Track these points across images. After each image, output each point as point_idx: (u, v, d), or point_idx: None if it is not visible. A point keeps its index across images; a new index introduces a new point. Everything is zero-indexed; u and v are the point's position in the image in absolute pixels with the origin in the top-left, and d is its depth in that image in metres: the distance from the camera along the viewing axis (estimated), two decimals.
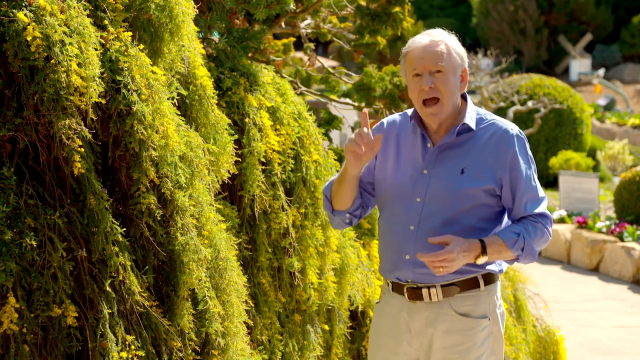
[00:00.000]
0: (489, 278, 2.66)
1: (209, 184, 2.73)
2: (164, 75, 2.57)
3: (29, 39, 2.18)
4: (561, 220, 10.55)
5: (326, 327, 3.41)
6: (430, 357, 2.66)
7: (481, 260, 2.53)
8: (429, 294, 2.63)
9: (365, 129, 2.54)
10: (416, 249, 2.60)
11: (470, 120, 2.62)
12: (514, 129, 2.63)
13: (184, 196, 2.53)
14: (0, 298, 2.15)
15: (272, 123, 3.24)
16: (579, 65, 27.85)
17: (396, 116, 2.79)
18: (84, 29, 2.30)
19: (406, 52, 2.62)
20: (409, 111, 2.74)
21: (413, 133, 2.69)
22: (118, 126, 2.41)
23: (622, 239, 9.39)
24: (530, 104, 13.55)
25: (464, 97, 2.68)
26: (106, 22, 2.46)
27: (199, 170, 2.63)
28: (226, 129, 2.88)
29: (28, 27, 2.18)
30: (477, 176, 2.58)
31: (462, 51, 2.62)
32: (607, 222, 9.81)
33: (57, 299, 2.22)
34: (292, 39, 5.52)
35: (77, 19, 2.30)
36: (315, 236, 3.29)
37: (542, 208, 2.61)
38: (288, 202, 3.23)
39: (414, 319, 2.67)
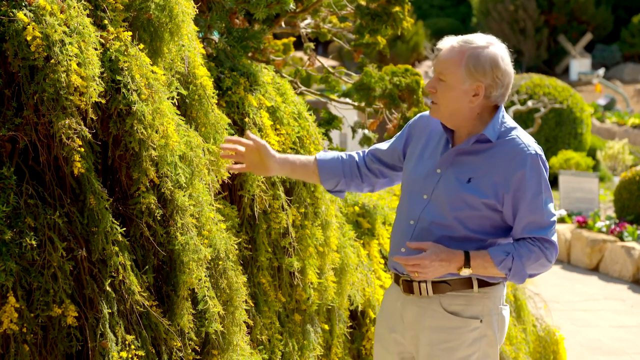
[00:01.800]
0: (484, 281, 2.62)
1: (209, 184, 2.73)
2: (164, 75, 2.57)
3: (28, 38, 2.18)
4: (561, 220, 10.55)
5: (326, 327, 3.41)
6: (419, 352, 2.67)
7: (464, 272, 2.53)
8: (419, 289, 2.64)
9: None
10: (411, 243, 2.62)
11: (491, 132, 2.56)
12: (532, 147, 2.55)
13: (183, 196, 2.53)
14: (0, 298, 2.15)
15: (272, 123, 3.25)
16: (579, 65, 27.84)
17: (426, 113, 2.80)
18: (83, 28, 2.30)
19: (436, 49, 2.66)
20: None
21: (442, 131, 2.69)
22: (118, 126, 2.41)
23: (622, 239, 9.39)
24: (530, 103, 13.54)
25: (495, 107, 2.61)
26: (106, 21, 2.46)
27: (199, 170, 2.63)
28: (226, 129, 2.88)
29: (28, 26, 2.18)
30: (480, 188, 2.55)
31: (486, 66, 2.51)
32: (607, 222, 9.81)
33: (57, 299, 2.22)
34: (292, 39, 5.52)
35: (77, 19, 2.30)
36: (315, 236, 3.29)
37: (545, 233, 2.53)
38: (288, 201, 3.23)
39: (407, 311, 2.69)
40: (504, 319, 2.67)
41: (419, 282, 2.63)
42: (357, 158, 2.84)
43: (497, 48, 2.55)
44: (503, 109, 2.63)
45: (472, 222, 2.58)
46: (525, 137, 2.59)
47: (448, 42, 2.58)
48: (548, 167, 2.60)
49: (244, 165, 2.70)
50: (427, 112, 2.76)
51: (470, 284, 2.60)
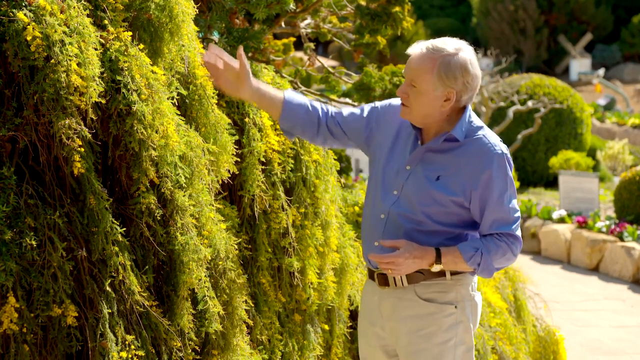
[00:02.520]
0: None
1: (208, 184, 2.73)
2: (164, 75, 2.57)
3: (28, 38, 2.18)
4: (561, 220, 10.55)
5: (326, 327, 3.41)
6: (398, 342, 2.75)
7: (435, 268, 2.63)
8: (394, 280, 2.72)
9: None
10: (383, 238, 2.70)
11: (459, 132, 2.63)
12: (498, 147, 2.64)
13: (183, 196, 2.53)
14: (0, 298, 2.15)
15: (272, 123, 3.25)
16: (579, 65, 27.85)
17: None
18: (83, 28, 2.30)
19: (407, 53, 2.69)
20: None
21: (410, 127, 2.75)
22: (118, 126, 2.41)
23: (622, 239, 9.39)
24: (530, 103, 13.54)
25: (463, 108, 2.68)
26: (106, 21, 2.46)
27: (198, 170, 2.63)
28: (226, 129, 2.88)
29: (28, 26, 2.18)
30: (449, 186, 2.63)
31: (457, 73, 2.57)
32: (607, 222, 9.81)
33: (57, 299, 2.22)
34: (292, 39, 5.53)
35: (77, 19, 2.30)
36: (315, 236, 3.29)
37: (510, 229, 2.63)
38: (288, 201, 3.23)
39: (384, 304, 2.77)
40: (476, 305, 2.77)
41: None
42: (320, 113, 2.83)
43: (466, 53, 2.61)
44: (470, 108, 2.71)
45: (440, 216, 2.66)
46: (491, 137, 2.67)
47: (418, 48, 2.63)
48: (512, 164, 2.69)
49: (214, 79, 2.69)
50: (396, 101, 2.80)
51: (443, 272, 2.69)
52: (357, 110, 2.87)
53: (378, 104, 2.88)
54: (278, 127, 3.28)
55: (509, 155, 2.67)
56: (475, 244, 2.63)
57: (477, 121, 2.71)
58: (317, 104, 2.85)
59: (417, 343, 2.70)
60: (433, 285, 2.70)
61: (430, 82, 2.58)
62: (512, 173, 2.67)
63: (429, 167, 2.68)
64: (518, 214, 2.66)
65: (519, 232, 2.66)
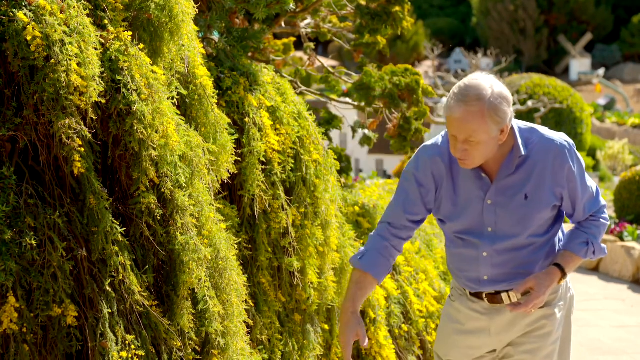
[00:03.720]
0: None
1: (208, 184, 2.73)
2: (164, 74, 2.57)
3: (28, 38, 2.18)
4: None
5: (326, 327, 3.41)
6: (510, 343, 2.78)
7: (563, 281, 2.72)
8: (509, 297, 2.74)
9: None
10: (493, 272, 2.72)
11: (523, 148, 2.62)
12: (558, 140, 2.65)
13: (183, 196, 2.53)
14: (0, 298, 2.15)
15: (272, 123, 3.24)
16: (579, 64, 27.86)
17: (435, 147, 2.74)
18: (83, 28, 2.30)
19: (446, 115, 2.57)
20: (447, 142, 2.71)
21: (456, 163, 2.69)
22: (118, 126, 2.41)
23: (622, 239, 9.39)
24: (530, 103, 13.55)
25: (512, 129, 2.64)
26: (106, 21, 2.46)
27: (198, 170, 2.63)
28: (226, 129, 2.88)
29: (28, 26, 2.18)
30: (540, 198, 2.65)
31: (504, 108, 2.52)
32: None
33: (57, 299, 2.22)
34: (292, 39, 5.52)
35: (77, 19, 2.30)
36: (315, 236, 3.28)
37: (599, 204, 2.74)
38: (288, 201, 3.23)
39: (495, 321, 2.78)
40: (573, 296, 2.87)
41: (507, 291, 2.74)
42: (389, 243, 2.76)
43: (496, 84, 2.54)
44: (513, 119, 2.65)
45: (537, 230, 2.72)
46: (547, 133, 2.67)
47: (457, 107, 2.51)
48: (575, 146, 2.74)
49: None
50: (430, 153, 2.72)
51: None
52: (404, 193, 2.76)
53: (414, 172, 2.75)
54: (278, 126, 3.28)
55: (570, 142, 2.69)
56: (581, 238, 2.73)
57: (524, 127, 2.68)
58: (389, 250, 2.76)
59: (534, 342, 2.75)
60: None
61: (487, 132, 2.51)
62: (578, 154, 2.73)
63: (510, 191, 2.65)
64: (595, 184, 2.76)
65: (604, 201, 2.77)
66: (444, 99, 14.61)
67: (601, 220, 2.75)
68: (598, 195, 2.76)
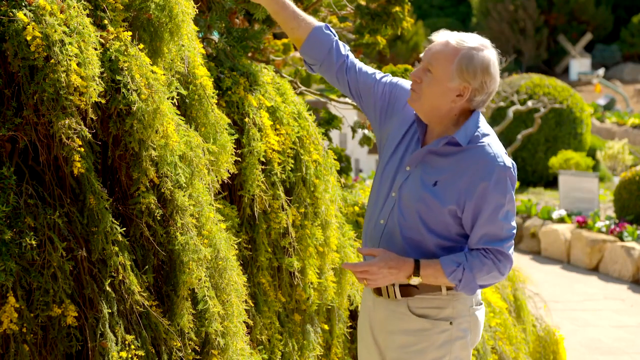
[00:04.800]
0: None
1: (208, 184, 2.73)
2: (164, 74, 2.57)
3: (28, 38, 2.18)
4: (561, 220, 10.55)
5: (326, 327, 3.41)
6: (387, 356, 2.66)
7: (414, 280, 2.50)
8: (387, 291, 2.62)
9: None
10: (380, 244, 2.60)
11: (462, 136, 2.50)
12: (501, 159, 2.49)
13: (183, 196, 2.53)
14: (0, 298, 2.15)
15: (272, 123, 3.24)
16: (579, 64, 27.85)
17: None
18: (83, 28, 2.30)
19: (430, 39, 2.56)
20: None
21: (416, 128, 2.65)
22: (118, 126, 2.41)
23: (621, 239, 9.40)
24: (530, 103, 13.54)
25: (472, 112, 2.56)
26: (106, 21, 2.46)
27: (198, 170, 2.63)
28: (226, 129, 2.88)
29: (28, 26, 2.18)
30: (445, 192, 2.51)
31: (477, 69, 2.46)
32: (607, 222, 9.82)
33: (56, 299, 2.22)
34: None
35: (76, 19, 2.30)
36: (315, 236, 3.29)
37: (501, 245, 2.48)
38: (288, 201, 3.23)
39: (377, 312, 2.69)
40: (477, 320, 2.63)
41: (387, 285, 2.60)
42: (346, 59, 2.75)
43: (491, 53, 2.51)
44: (481, 114, 2.58)
45: (435, 225, 2.54)
46: (496, 147, 2.51)
47: (443, 37, 2.51)
48: (516, 179, 2.54)
49: None
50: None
51: (438, 287, 2.57)
52: (377, 78, 2.74)
53: (400, 81, 2.73)
54: (278, 127, 3.28)
55: (512, 170, 2.51)
56: (458, 258, 2.49)
57: (485, 128, 2.55)
58: (343, 49, 2.73)
59: (407, 358, 2.60)
60: (428, 300, 2.58)
61: (447, 71, 2.45)
62: (513, 189, 2.51)
63: (429, 170, 2.55)
64: (513, 231, 2.51)
65: (511, 251, 2.51)
66: None
67: (491, 260, 2.47)
68: (506, 242, 2.49)
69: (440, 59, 2.47)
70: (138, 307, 2.39)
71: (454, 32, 2.54)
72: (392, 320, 2.63)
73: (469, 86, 2.48)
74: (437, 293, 2.58)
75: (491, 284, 2.56)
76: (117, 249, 2.35)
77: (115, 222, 2.36)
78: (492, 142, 2.52)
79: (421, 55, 2.54)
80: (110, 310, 2.32)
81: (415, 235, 2.56)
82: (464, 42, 2.48)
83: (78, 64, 2.25)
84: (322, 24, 2.76)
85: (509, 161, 2.51)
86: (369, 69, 2.79)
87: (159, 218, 2.47)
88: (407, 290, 2.58)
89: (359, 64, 2.79)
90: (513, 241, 2.53)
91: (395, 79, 2.76)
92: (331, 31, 2.77)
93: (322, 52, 2.76)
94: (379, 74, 2.77)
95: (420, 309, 2.59)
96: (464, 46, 2.47)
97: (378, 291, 2.66)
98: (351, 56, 2.79)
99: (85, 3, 2.39)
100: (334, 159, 3.58)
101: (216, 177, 2.82)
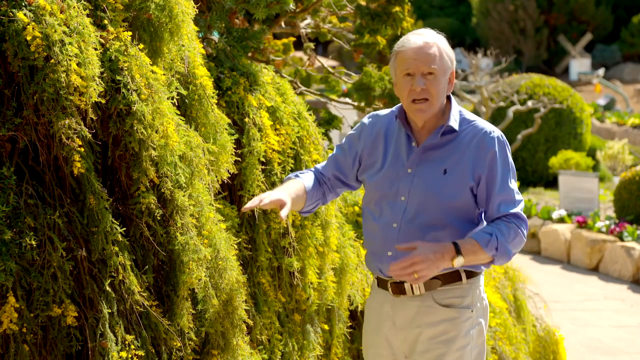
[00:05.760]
0: (471, 272, 2.70)
1: (208, 184, 2.73)
2: (164, 74, 2.57)
3: (28, 38, 2.18)
4: (561, 220, 10.54)
5: (326, 327, 3.41)
6: (415, 349, 2.70)
7: (457, 261, 2.54)
8: (412, 288, 2.68)
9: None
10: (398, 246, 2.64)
11: (454, 122, 2.66)
12: (495, 131, 2.67)
13: (183, 196, 2.53)
14: (0, 298, 2.15)
15: (272, 123, 3.24)
16: (579, 65, 27.83)
17: (379, 113, 2.84)
18: (83, 28, 2.30)
19: (398, 51, 2.66)
20: (394, 109, 2.79)
21: (398, 132, 2.74)
22: (118, 126, 2.41)
23: (621, 239, 9.39)
24: (530, 103, 13.54)
25: (448, 98, 2.73)
26: (106, 21, 2.46)
27: (198, 170, 2.63)
28: (226, 129, 2.88)
29: (28, 26, 2.18)
30: (458, 176, 2.63)
31: (452, 53, 2.68)
32: (607, 222, 9.81)
33: (56, 299, 2.22)
34: (292, 39, 5.52)
35: (76, 19, 2.30)
36: (314, 236, 3.29)
37: (516, 209, 2.62)
38: None
39: (398, 313, 2.73)
40: (487, 307, 2.78)
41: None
42: (320, 183, 2.86)
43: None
44: (453, 98, 2.75)
45: (455, 214, 2.64)
46: (485, 122, 2.70)
47: (415, 41, 2.63)
48: (510, 148, 2.72)
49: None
50: (377, 112, 2.84)
51: (459, 276, 2.67)
52: (339, 152, 2.87)
53: (353, 130, 2.88)
54: (278, 127, 3.28)
55: (505, 139, 2.70)
56: (487, 229, 2.59)
57: (464, 111, 2.74)
58: (312, 176, 2.85)
59: (437, 348, 2.66)
60: (450, 291, 2.67)
61: (443, 64, 2.62)
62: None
63: (432, 164, 2.66)
64: (521, 196, 2.67)
65: (525, 217, 2.64)
66: None
67: (514, 224, 2.59)
68: (519, 205, 2.64)
69: (434, 56, 2.61)
70: (138, 307, 2.39)
71: (409, 35, 2.68)
72: (419, 316, 2.69)
73: (453, 70, 2.68)
74: (458, 283, 2.68)
75: (518, 250, 2.65)
76: (117, 249, 2.35)
77: (115, 222, 2.36)
78: (478, 119, 2.71)
79: (407, 69, 2.62)
80: (110, 310, 2.32)
81: (434, 228, 2.64)
82: (430, 35, 2.65)
83: (78, 64, 2.25)
84: (299, 180, 2.81)
85: (499, 132, 2.71)
86: (330, 162, 2.89)
87: (159, 218, 2.47)
88: (430, 283, 2.67)
89: (326, 169, 2.89)
90: (523, 205, 2.68)
91: (351, 131, 2.89)
92: (300, 176, 2.84)
93: (320, 199, 2.87)
94: (336, 153, 2.88)
95: (445, 299, 2.68)
96: (435, 37, 2.65)
97: (399, 291, 2.70)
98: (319, 173, 2.88)
99: (85, 3, 2.39)
100: None
101: (216, 177, 2.82)
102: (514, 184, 2.66)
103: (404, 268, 2.50)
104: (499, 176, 2.62)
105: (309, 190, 2.78)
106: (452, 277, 2.66)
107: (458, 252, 2.53)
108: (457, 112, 2.70)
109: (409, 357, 2.73)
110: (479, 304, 2.71)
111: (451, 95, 2.74)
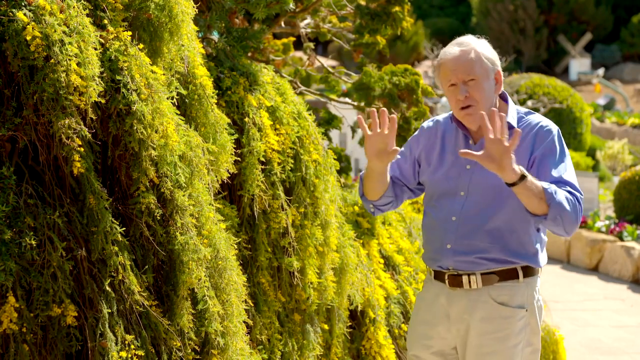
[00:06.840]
0: (528, 270, 2.75)
1: (208, 184, 2.73)
2: (164, 74, 2.57)
3: (28, 38, 2.18)
4: None
5: (326, 327, 3.41)
6: (466, 344, 2.76)
7: (516, 175, 2.49)
8: (469, 281, 2.74)
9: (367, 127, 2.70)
10: (457, 239, 2.74)
11: (512, 119, 2.74)
12: (551, 125, 2.73)
13: (183, 196, 2.53)
14: (0, 297, 2.15)
15: (272, 122, 3.24)
16: (579, 64, 27.85)
17: (438, 118, 2.94)
18: (83, 28, 2.30)
19: (439, 64, 2.74)
20: (452, 112, 2.87)
21: (455, 133, 2.83)
22: (117, 126, 2.41)
23: (621, 239, 9.40)
24: (530, 103, 13.55)
25: (504, 99, 2.80)
26: (106, 21, 2.46)
27: (198, 170, 2.63)
28: (226, 129, 2.88)
29: (27, 26, 2.18)
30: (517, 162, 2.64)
31: (493, 55, 2.73)
32: (607, 222, 9.82)
33: (56, 299, 2.22)
34: (292, 39, 5.52)
35: (76, 19, 2.30)
36: (314, 236, 3.29)
37: (573, 187, 2.61)
38: (287, 201, 3.23)
39: (453, 306, 2.78)
40: (541, 307, 2.81)
41: (468, 274, 2.73)
42: (399, 191, 2.95)
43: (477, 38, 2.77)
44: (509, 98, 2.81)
45: (513, 204, 2.66)
46: (542, 118, 2.76)
47: (451, 52, 2.71)
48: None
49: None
50: (437, 117, 2.94)
51: (516, 274, 2.73)
52: (400, 157, 2.94)
53: (411, 138, 2.97)
54: (278, 126, 3.28)
55: (560, 133, 2.74)
56: (546, 184, 2.56)
57: (521, 108, 2.81)
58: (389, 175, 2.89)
59: (490, 345, 2.71)
60: (506, 288, 2.72)
61: (484, 68, 2.67)
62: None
63: None
64: (575, 180, 2.64)
65: (580, 194, 2.61)
66: (444, 99, 14.62)
67: (573, 196, 2.57)
68: (576, 185, 2.63)
69: (472, 63, 2.67)
70: (138, 307, 2.39)
71: (448, 45, 2.76)
72: (475, 310, 2.74)
73: (499, 70, 2.74)
74: (514, 280, 2.73)
75: (571, 228, 2.58)
76: (116, 248, 2.35)
77: (115, 222, 2.36)
78: (537, 116, 2.77)
79: (450, 80, 2.70)
80: (110, 310, 2.32)
81: (492, 221, 2.69)
82: (467, 43, 2.72)
83: (78, 64, 2.25)
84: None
85: (555, 125, 2.76)
86: (393, 167, 2.94)
87: (158, 218, 2.47)
88: (487, 278, 2.72)
89: (391, 172, 2.92)
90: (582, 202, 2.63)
91: (402, 150, 2.96)
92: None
93: (393, 198, 2.95)
94: (398, 159, 2.95)
95: (500, 296, 2.73)
96: (473, 43, 2.72)
97: (457, 283, 2.75)
98: (394, 183, 2.94)
99: (85, 3, 2.39)
100: (334, 159, 3.58)
101: (216, 177, 2.82)
102: (569, 168, 2.64)
103: (500, 130, 2.49)
104: (555, 156, 2.65)
105: (389, 182, 2.87)
106: (509, 274, 2.72)
107: (523, 177, 2.51)
108: (514, 110, 2.78)
109: (460, 350, 2.78)
110: (534, 303, 2.75)
111: (506, 94, 2.81)
